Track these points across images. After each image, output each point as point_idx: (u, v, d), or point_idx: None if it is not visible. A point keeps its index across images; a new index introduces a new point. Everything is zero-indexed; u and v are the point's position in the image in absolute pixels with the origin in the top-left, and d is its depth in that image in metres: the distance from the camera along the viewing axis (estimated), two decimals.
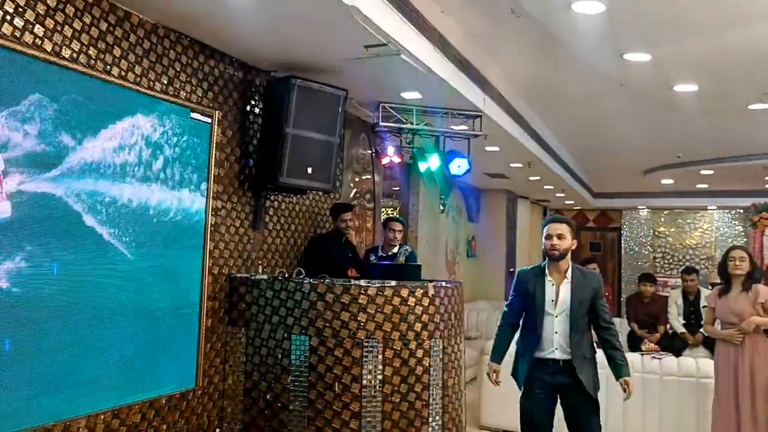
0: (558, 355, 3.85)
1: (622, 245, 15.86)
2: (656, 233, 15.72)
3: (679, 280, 8.32)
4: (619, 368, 3.86)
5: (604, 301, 3.97)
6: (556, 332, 3.83)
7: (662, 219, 15.73)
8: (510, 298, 4.16)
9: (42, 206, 3.37)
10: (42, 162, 3.37)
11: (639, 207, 15.61)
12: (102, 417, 3.77)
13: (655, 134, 8.52)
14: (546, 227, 3.94)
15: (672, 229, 15.63)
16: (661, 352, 6.24)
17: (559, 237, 3.84)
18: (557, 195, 13.43)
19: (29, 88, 3.28)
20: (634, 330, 7.69)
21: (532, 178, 10.87)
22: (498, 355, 4.12)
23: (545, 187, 12.05)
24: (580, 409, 3.87)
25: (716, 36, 4.87)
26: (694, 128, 8.07)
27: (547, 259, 3.94)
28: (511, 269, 13.08)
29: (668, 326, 7.58)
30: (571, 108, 7.52)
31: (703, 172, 11.16)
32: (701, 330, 7.25)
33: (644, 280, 7.87)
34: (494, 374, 4.08)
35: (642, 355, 5.85)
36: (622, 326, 8.50)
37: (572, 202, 14.97)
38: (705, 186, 13.18)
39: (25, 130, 3.27)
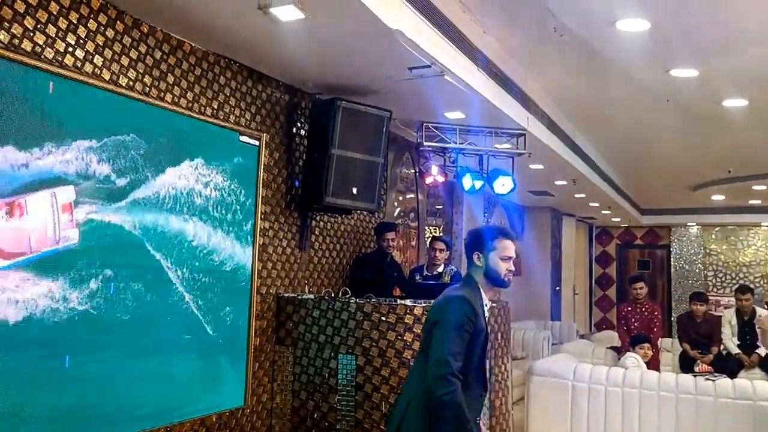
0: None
1: (672, 263, 15.48)
2: (707, 250, 15.30)
3: (733, 299, 8.08)
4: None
5: None
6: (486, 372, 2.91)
7: (713, 236, 15.31)
8: (455, 340, 2.62)
9: (107, 235, 3.53)
10: (108, 194, 3.53)
11: (689, 224, 15.23)
12: None
13: (703, 149, 8.35)
14: (501, 243, 2.84)
15: (724, 246, 15.19)
16: (715, 374, 6.06)
17: (513, 261, 2.88)
18: (603, 212, 13.24)
19: (91, 121, 3.43)
20: (686, 351, 7.49)
21: (577, 196, 10.74)
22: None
23: (591, 204, 11.90)
24: None
25: (765, 49, 4.78)
26: (745, 143, 7.88)
27: (481, 281, 2.85)
28: (557, 287, 12.92)
29: (722, 347, 7.37)
30: (616, 124, 7.44)
31: (755, 187, 10.85)
32: (757, 351, 7.04)
33: (695, 300, 7.67)
34: None
35: (695, 376, 5.70)
36: (674, 346, 8.32)
37: (618, 219, 14.71)
38: (758, 202, 12.80)
39: (93, 163, 3.43)
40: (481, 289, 2.83)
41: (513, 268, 2.84)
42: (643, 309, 7.33)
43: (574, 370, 5.77)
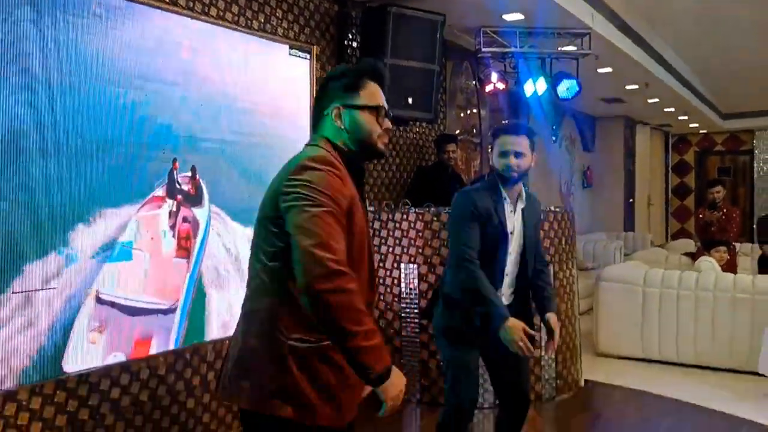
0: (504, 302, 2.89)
1: (755, 167, 14.66)
2: None
3: None
4: (549, 300, 2.92)
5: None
6: (507, 274, 2.89)
7: None
8: (465, 230, 2.80)
9: None
10: None
11: None
12: None
13: None
14: (497, 140, 2.88)
15: None
16: None
17: (518, 155, 2.80)
18: (680, 118, 12.59)
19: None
20: (765, 253, 7.19)
21: (650, 101, 10.24)
22: (502, 306, 2.73)
23: (665, 109, 11.33)
24: (516, 362, 2.88)
25: None
26: None
27: (497, 178, 2.88)
28: (631, 199, 12.54)
29: None
30: (691, 20, 6.95)
31: None
32: None
33: None
34: (522, 336, 2.61)
35: None
36: (753, 251, 8.01)
37: (697, 125, 13.98)
38: None
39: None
40: (502, 188, 2.88)
41: (514, 162, 2.80)
42: (721, 213, 7.02)
43: (645, 276, 5.64)
